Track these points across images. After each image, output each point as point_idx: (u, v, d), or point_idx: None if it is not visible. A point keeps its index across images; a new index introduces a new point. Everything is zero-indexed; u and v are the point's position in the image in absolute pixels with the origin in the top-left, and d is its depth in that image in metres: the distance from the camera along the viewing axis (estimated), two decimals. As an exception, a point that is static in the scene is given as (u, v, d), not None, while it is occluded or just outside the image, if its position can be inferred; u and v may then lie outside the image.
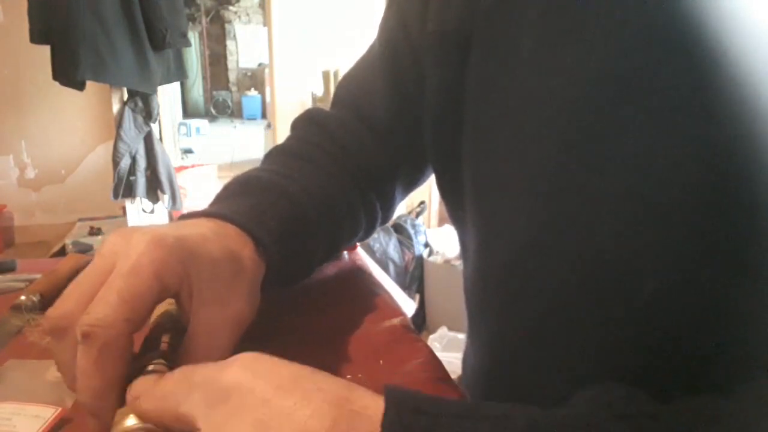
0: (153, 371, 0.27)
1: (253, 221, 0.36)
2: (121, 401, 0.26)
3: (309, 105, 3.10)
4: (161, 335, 0.30)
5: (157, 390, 0.25)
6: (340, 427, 0.21)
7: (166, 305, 0.32)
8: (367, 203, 0.48)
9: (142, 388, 0.25)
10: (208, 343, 0.30)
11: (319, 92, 3.01)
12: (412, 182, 0.53)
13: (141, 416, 0.25)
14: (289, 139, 0.51)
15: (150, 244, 0.28)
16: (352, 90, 0.52)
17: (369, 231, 0.51)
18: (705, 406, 0.23)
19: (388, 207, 0.52)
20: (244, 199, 0.39)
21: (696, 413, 0.22)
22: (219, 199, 0.41)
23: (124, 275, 0.27)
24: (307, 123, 0.51)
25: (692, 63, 0.26)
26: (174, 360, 0.28)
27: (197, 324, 0.30)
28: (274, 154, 0.48)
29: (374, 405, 0.22)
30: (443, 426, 0.21)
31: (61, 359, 0.28)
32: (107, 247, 0.29)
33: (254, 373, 0.23)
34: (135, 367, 0.27)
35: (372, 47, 0.51)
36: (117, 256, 0.28)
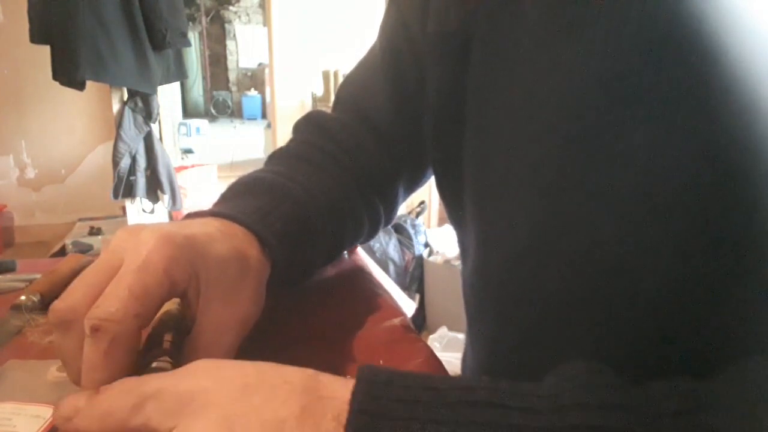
0: (157, 368, 0.27)
1: (259, 222, 0.36)
2: None
3: (309, 105, 3.10)
4: (164, 333, 0.30)
5: (95, 408, 0.23)
6: (310, 412, 0.22)
7: (169, 304, 0.32)
8: (369, 205, 0.48)
9: (71, 407, 0.24)
10: (214, 340, 0.30)
11: (319, 92, 3.01)
12: (413, 183, 0.53)
13: None
14: (291, 141, 0.51)
15: (160, 241, 0.28)
16: (354, 92, 0.52)
17: (372, 233, 0.51)
18: (680, 387, 0.23)
19: (391, 209, 0.52)
20: (249, 199, 0.39)
21: (668, 394, 0.22)
22: (224, 199, 0.41)
23: (135, 271, 0.27)
24: (309, 126, 0.51)
25: (692, 61, 0.26)
26: (177, 358, 0.28)
27: (204, 322, 0.30)
28: (277, 157, 0.48)
29: (342, 389, 0.23)
30: (413, 395, 0.22)
31: (65, 352, 0.28)
32: (115, 242, 0.29)
33: (217, 379, 0.23)
34: (138, 365, 0.27)
35: (373, 49, 0.51)
36: (126, 251, 0.28)
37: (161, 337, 0.30)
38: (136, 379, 0.24)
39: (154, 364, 0.27)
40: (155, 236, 0.28)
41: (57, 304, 0.27)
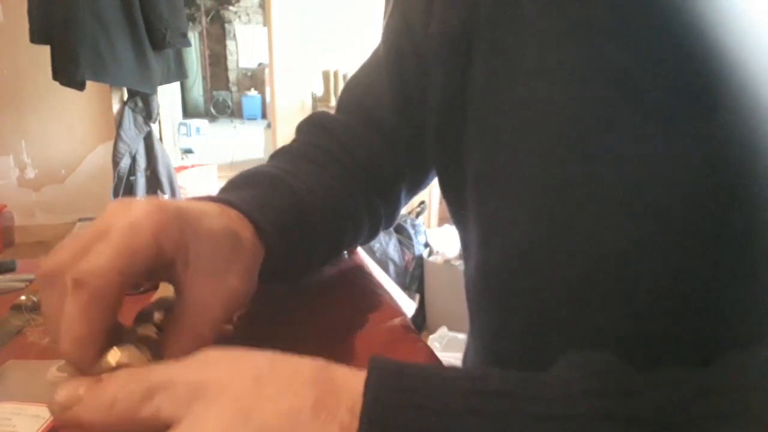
0: (141, 335, 0.27)
1: (256, 210, 0.36)
2: (100, 356, 0.25)
3: (309, 105, 3.10)
4: (154, 312, 0.30)
5: (100, 396, 0.22)
6: (324, 403, 0.21)
7: (164, 290, 0.32)
8: (371, 207, 0.48)
9: (69, 396, 0.23)
10: (199, 314, 0.30)
11: (319, 92, 3.01)
12: (416, 185, 0.53)
13: (79, 426, 0.23)
14: (294, 141, 0.51)
15: (151, 208, 0.28)
16: (357, 93, 0.52)
17: (372, 234, 0.51)
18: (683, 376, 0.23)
19: (393, 210, 0.52)
20: (248, 189, 0.39)
21: (671, 382, 0.22)
22: (223, 190, 0.41)
23: (122, 231, 0.27)
24: (312, 127, 0.51)
25: (691, 62, 0.26)
26: (165, 334, 0.28)
27: (190, 295, 0.30)
28: (280, 155, 0.48)
29: (355, 379, 0.23)
30: (425, 385, 0.22)
31: (48, 309, 0.27)
32: (107, 211, 0.29)
33: (229, 368, 0.23)
34: (126, 337, 0.27)
35: (376, 51, 0.51)
36: (116, 218, 0.28)
37: (151, 315, 0.30)
38: (143, 369, 0.24)
39: (139, 330, 0.27)
40: (146, 204, 0.29)
41: (44, 262, 0.27)
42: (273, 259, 0.37)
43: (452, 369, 0.23)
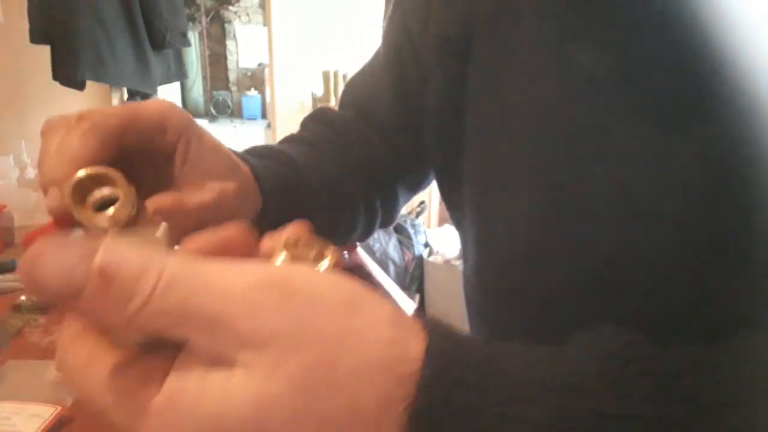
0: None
1: (259, 167, 0.38)
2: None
3: (309, 105, 3.10)
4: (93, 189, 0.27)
5: (113, 294, 0.17)
6: (396, 362, 0.19)
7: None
8: (368, 197, 0.49)
9: (70, 275, 0.17)
10: (193, 185, 0.31)
11: (319, 92, 3.01)
12: (414, 185, 0.53)
13: (143, 329, 0.17)
14: (297, 133, 0.52)
15: (165, 101, 0.31)
16: (358, 92, 0.53)
17: (369, 227, 0.52)
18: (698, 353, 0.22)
19: (390, 207, 0.52)
20: (250, 156, 0.41)
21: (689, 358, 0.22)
22: None
23: (130, 104, 0.29)
24: (315, 122, 0.52)
25: (688, 62, 0.26)
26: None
27: (186, 171, 0.31)
28: (283, 142, 0.50)
29: (421, 332, 0.20)
30: (488, 364, 0.20)
31: (46, 147, 0.29)
32: None
33: (320, 284, 0.19)
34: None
35: (377, 51, 0.52)
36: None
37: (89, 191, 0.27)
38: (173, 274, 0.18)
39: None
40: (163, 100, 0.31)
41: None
42: (269, 214, 0.37)
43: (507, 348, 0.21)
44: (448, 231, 2.40)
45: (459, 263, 2.06)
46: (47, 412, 0.32)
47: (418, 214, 2.51)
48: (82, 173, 0.25)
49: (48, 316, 0.48)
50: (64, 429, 0.32)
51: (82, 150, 0.27)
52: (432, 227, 2.64)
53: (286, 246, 0.23)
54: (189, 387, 0.18)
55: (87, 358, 0.20)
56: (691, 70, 0.26)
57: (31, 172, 1.74)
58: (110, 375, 0.19)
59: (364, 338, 0.18)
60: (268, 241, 0.24)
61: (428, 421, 0.18)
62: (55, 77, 1.92)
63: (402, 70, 0.46)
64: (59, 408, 0.32)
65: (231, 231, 0.23)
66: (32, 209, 2.56)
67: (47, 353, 0.41)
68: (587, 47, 0.29)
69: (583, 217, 0.30)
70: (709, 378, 0.20)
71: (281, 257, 0.22)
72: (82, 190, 0.25)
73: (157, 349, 0.19)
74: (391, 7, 0.48)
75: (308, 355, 0.18)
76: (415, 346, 0.19)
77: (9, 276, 0.57)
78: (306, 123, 0.53)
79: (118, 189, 0.25)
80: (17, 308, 0.48)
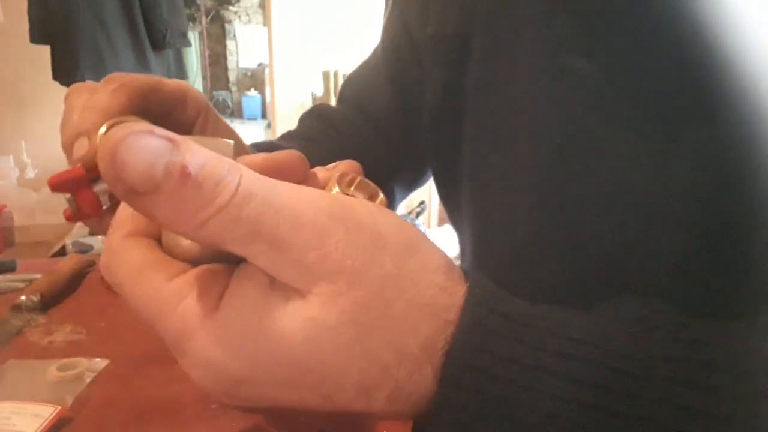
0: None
1: (257, 148, 0.40)
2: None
3: (309, 105, 3.10)
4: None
5: (190, 201, 0.16)
6: (441, 311, 0.19)
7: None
8: None
9: (148, 173, 0.15)
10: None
11: (319, 92, 3.01)
12: (410, 183, 0.53)
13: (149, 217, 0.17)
14: (294, 129, 0.53)
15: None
16: (356, 89, 0.53)
17: None
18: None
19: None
20: (253, 149, 0.42)
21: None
22: None
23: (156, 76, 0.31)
24: (313, 118, 0.53)
25: (685, 65, 0.26)
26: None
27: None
28: (283, 137, 0.51)
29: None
30: (526, 318, 0.20)
31: (71, 103, 0.31)
32: None
33: (382, 224, 0.19)
34: None
35: (375, 50, 0.52)
36: None
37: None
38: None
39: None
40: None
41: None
42: None
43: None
44: (448, 231, 2.40)
45: (458, 263, 2.05)
46: (47, 412, 0.32)
47: (418, 214, 2.51)
48: (115, 120, 0.27)
49: (48, 316, 0.48)
50: (64, 429, 0.32)
51: (113, 104, 0.28)
52: (432, 227, 2.64)
53: (339, 183, 0.23)
54: (245, 306, 0.18)
55: (139, 265, 0.19)
56: (688, 72, 0.26)
57: (31, 172, 1.74)
58: (163, 285, 0.19)
59: (418, 282, 0.19)
60: (322, 172, 0.24)
61: (462, 367, 0.19)
62: (55, 77, 1.92)
63: (400, 68, 0.46)
64: (59, 408, 0.32)
65: (286, 156, 0.23)
66: (32, 209, 2.56)
67: (47, 353, 0.41)
68: (583, 50, 0.29)
69: (581, 218, 0.30)
70: (736, 345, 0.21)
71: (334, 191, 0.23)
72: None
73: (216, 263, 0.19)
74: (389, 6, 0.48)
75: (365, 292, 0.18)
76: (460, 294, 0.20)
77: (9, 276, 0.57)
78: (304, 119, 0.53)
79: None
80: (17, 308, 0.48)
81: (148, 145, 0.15)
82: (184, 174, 0.15)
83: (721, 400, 0.19)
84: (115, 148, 0.15)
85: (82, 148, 0.28)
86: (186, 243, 0.20)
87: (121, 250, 0.20)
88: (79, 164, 0.28)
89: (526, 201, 0.32)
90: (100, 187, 0.28)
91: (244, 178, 0.17)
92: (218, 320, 0.18)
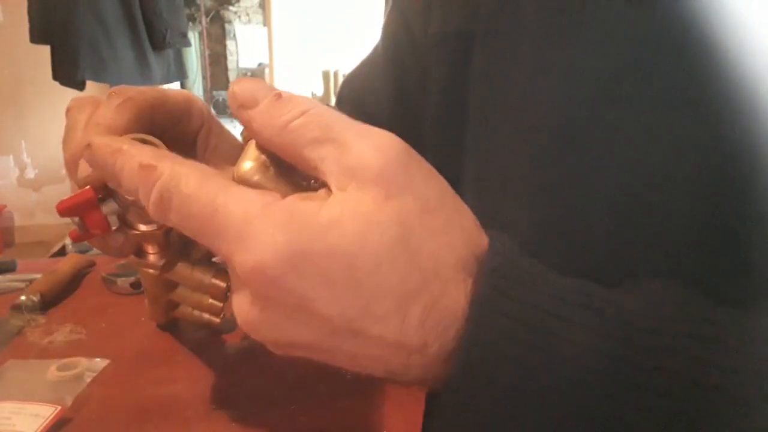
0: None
1: None
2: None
3: (309, 105, 3.10)
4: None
5: (278, 115, 0.22)
6: (468, 263, 0.21)
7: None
8: None
9: (252, 97, 0.22)
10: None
11: (319, 92, 3.01)
12: None
13: (248, 129, 0.23)
14: None
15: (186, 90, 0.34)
16: (356, 88, 0.53)
17: None
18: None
19: None
20: None
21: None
22: None
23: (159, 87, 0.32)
24: None
25: (687, 61, 0.26)
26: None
27: (207, 162, 0.33)
28: None
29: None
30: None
31: (73, 119, 0.31)
32: None
33: (405, 185, 0.21)
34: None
35: (375, 48, 0.52)
36: None
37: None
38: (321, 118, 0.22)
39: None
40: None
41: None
42: None
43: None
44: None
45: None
46: (47, 412, 0.32)
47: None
48: (133, 136, 0.27)
49: (48, 316, 0.48)
50: (64, 429, 0.32)
51: (118, 120, 0.28)
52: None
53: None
54: (303, 198, 0.21)
55: (203, 171, 0.22)
56: (693, 65, 0.26)
57: (31, 172, 1.74)
58: (229, 183, 0.22)
59: (459, 207, 0.23)
60: None
61: (487, 306, 0.20)
62: (55, 77, 1.92)
63: (400, 67, 0.46)
64: (59, 408, 0.32)
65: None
66: (32, 209, 2.56)
67: (47, 353, 0.40)
68: (588, 43, 0.29)
69: (584, 216, 0.30)
70: (747, 315, 0.21)
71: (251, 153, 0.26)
72: None
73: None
74: (390, 4, 0.48)
75: (415, 198, 0.21)
76: (487, 241, 0.22)
77: (9, 276, 0.57)
78: None
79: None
80: (17, 308, 0.48)
81: (256, 85, 0.22)
82: (278, 95, 0.22)
83: (735, 353, 0.19)
84: (237, 90, 0.22)
85: (88, 167, 0.27)
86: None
87: (180, 164, 0.23)
88: (86, 185, 0.27)
89: (529, 200, 0.32)
90: (108, 208, 0.28)
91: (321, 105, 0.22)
92: (281, 205, 0.20)
